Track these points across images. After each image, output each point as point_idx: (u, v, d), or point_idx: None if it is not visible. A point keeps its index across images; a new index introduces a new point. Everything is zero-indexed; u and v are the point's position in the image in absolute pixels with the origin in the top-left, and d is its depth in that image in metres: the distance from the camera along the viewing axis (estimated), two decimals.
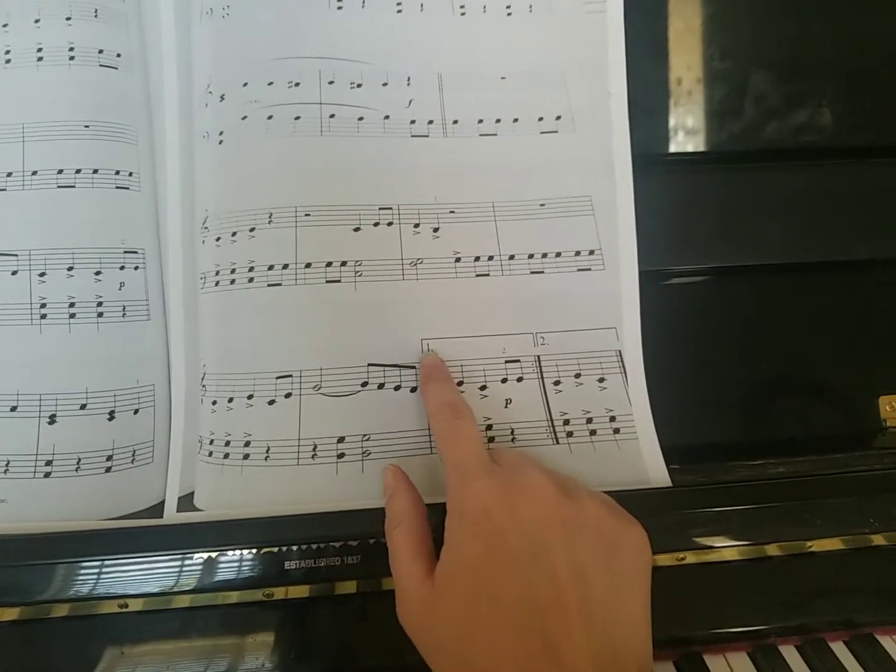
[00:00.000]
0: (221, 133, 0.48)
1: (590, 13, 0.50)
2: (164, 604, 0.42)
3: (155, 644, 0.42)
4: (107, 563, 0.42)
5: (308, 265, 0.46)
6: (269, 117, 0.48)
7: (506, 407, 0.46)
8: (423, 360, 0.44)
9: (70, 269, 0.46)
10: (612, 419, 0.45)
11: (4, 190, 0.47)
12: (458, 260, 0.47)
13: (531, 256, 0.47)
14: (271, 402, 0.45)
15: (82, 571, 0.42)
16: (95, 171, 0.47)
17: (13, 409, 0.44)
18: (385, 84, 0.49)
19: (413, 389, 0.45)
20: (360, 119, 0.49)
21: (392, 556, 0.37)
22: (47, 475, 0.44)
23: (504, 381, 0.46)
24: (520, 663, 0.31)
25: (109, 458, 0.45)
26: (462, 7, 0.50)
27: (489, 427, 0.45)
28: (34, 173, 0.47)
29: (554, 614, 0.31)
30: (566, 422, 0.46)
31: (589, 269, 0.47)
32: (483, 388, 0.46)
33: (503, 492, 0.34)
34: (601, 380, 0.46)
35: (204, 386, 0.46)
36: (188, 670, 0.42)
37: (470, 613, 0.32)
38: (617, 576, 0.33)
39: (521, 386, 0.46)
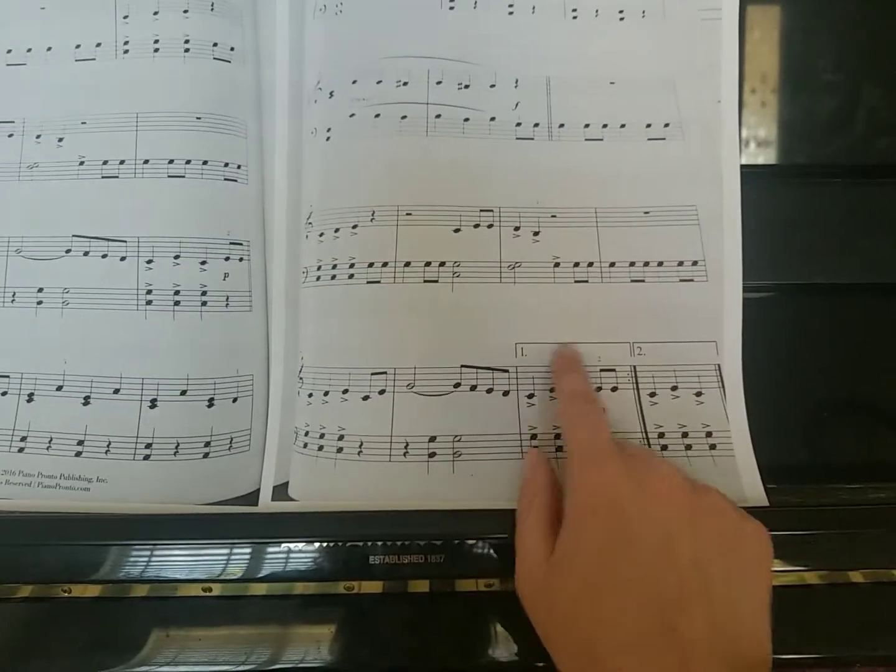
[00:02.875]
0: (329, 130, 0.51)
1: (705, 20, 0.51)
2: (242, 590, 0.45)
3: (233, 629, 0.44)
4: (199, 547, 0.45)
5: (407, 264, 0.49)
6: (377, 115, 0.51)
7: None
8: (559, 351, 0.46)
9: (176, 257, 0.49)
10: (709, 434, 0.46)
11: (117, 177, 0.51)
12: (557, 265, 0.49)
13: (632, 264, 0.49)
14: (365, 398, 0.47)
15: (173, 554, 0.45)
16: (205, 163, 0.50)
17: (116, 391, 0.48)
18: (493, 86, 0.51)
19: (505, 393, 0.48)
20: (466, 120, 0.51)
21: (521, 531, 0.39)
22: (146, 458, 0.47)
23: (598, 389, 0.47)
24: (639, 648, 0.32)
25: (207, 444, 0.48)
26: (574, 10, 0.51)
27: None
28: (146, 162, 0.51)
29: (675, 601, 0.33)
30: (661, 434, 0.47)
31: (691, 280, 0.48)
32: None
33: (632, 479, 0.36)
34: (698, 394, 0.47)
35: (301, 378, 0.49)
36: (261, 657, 0.43)
37: (592, 595, 0.34)
38: (737, 571, 0.35)
39: (616, 396, 0.47)
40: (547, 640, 0.36)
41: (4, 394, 0.48)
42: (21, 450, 0.48)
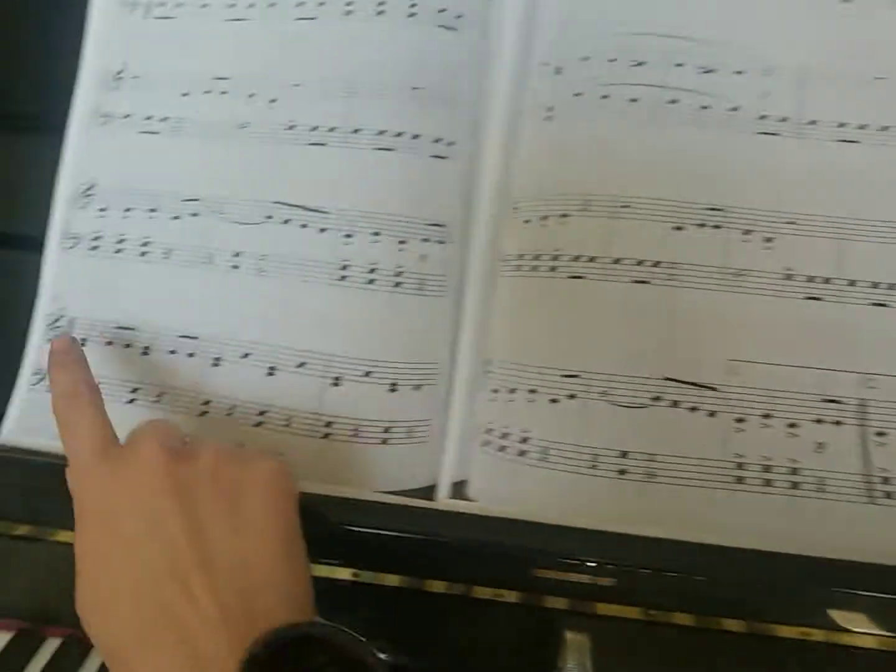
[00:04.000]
0: (551, 109, 0.61)
1: None
2: (405, 583, 0.57)
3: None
4: (378, 535, 0.56)
5: (617, 261, 0.58)
6: (604, 97, 0.60)
7: (816, 451, 0.54)
8: (52, 345, 0.53)
9: (376, 234, 0.61)
10: None
11: (325, 145, 0.63)
12: (788, 277, 0.56)
13: (875, 286, 0.55)
14: (554, 401, 0.57)
15: (350, 538, 0.57)
16: (416, 137, 0.62)
17: (301, 365, 0.60)
18: (739, 73, 0.60)
19: (711, 414, 0.55)
20: (704, 108, 0.59)
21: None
22: (326, 436, 0.59)
23: (818, 421, 0.54)
24: (142, 636, 0.39)
25: (387, 430, 0.59)
26: None
27: (794, 471, 0.54)
28: (356, 131, 0.63)
29: (172, 584, 0.40)
30: (886, 480, 0.52)
31: None
32: (792, 425, 0.54)
33: (114, 470, 0.44)
34: None
35: (488, 372, 0.59)
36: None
37: (99, 600, 0.42)
38: (243, 521, 0.42)
39: (838, 430, 0.54)
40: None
41: (191, 355, 0.62)
42: (203, 413, 0.60)
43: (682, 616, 0.55)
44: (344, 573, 0.56)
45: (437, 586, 0.56)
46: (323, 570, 0.55)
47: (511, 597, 0.56)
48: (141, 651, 0.39)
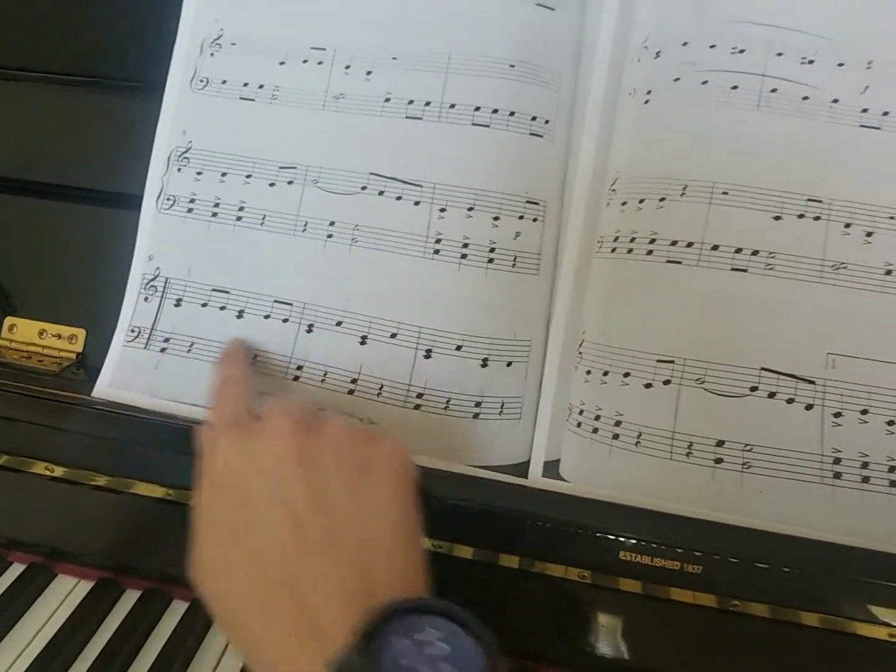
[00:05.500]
0: (649, 92, 0.50)
1: None
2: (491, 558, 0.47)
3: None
4: (468, 509, 0.46)
5: (715, 247, 0.47)
6: (704, 82, 0.49)
7: None
8: (230, 342, 0.50)
9: (470, 209, 0.50)
10: None
11: (420, 119, 0.52)
12: (888, 273, 0.46)
13: None
14: (648, 386, 0.47)
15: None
16: (512, 114, 0.51)
17: (393, 335, 0.50)
18: (841, 64, 0.48)
19: (808, 407, 0.45)
20: (805, 98, 0.48)
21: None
22: (417, 407, 0.49)
23: None
24: (264, 602, 0.33)
25: (478, 404, 0.49)
26: None
27: (893, 469, 0.44)
28: (452, 106, 0.52)
29: (294, 552, 0.34)
30: None
31: None
32: (891, 423, 0.45)
33: (243, 439, 0.38)
34: None
35: (580, 353, 0.49)
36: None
37: (220, 562, 0.36)
38: (367, 499, 0.36)
39: None
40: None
41: (285, 321, 0.51)
42: (296, 378, 0.51)
43: (759, 607, 0.45)
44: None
45: (510, 561, 0.47)
46: None
47: (587, 577, 0.46)
48: (260, 617, 0.33)
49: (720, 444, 0.45)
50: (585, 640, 0.46)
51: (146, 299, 0.53)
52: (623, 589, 0.45)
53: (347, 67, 0.54)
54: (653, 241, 0.48)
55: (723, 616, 0.45)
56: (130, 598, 0.50)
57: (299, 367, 0.50)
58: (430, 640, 0.31)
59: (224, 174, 0.54)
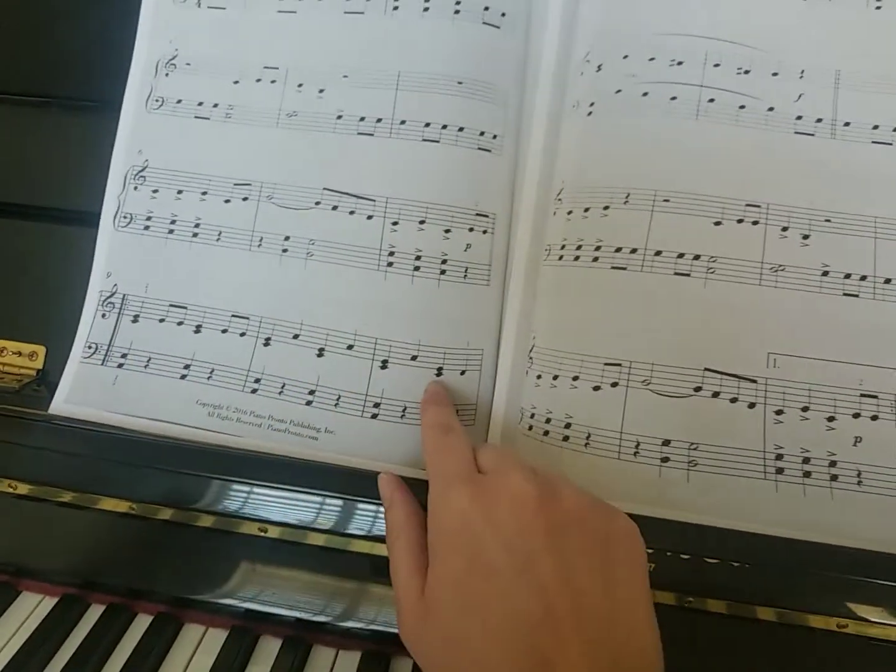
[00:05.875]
0: (592, 104, 0.51)
1: None
2: None
3: None
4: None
5: (658, 253, 0.48)
6: (644, 94, 0.50)
7: (854, 445, 0.45)
8: (428, 386, 0.47)
9: (422, 222, 0.51)
10: None
11: (372, 135, 0.53)
12: (825, 273, 0.47)
13: None
14: (596, 388, 0.47)
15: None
16: (461, 129, 0.52)
17: (350, 347, 0.50)
18: (775, 74, 0.50)
19: (751, 406, 0.46)
20: (742, 107, 0.50)
21: (392, 569, 0.39)
22: (374, 416, 0.49)
23: (856, 416, 0.45)
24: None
25: None
26: (878, 0, 0.49)
27: (833, 464, 0.45)
28: (402, 123, 0.53)
29: (545, 629, 0.32)
30: None
31: None
32: (831, 419, 0.46)
33: (482, 502, 0.35)
34: None
35: (531, 359, 0.50)
36: None
37: (457, 630, 0.33)
38: (611, 575, 0.34)
39: (876, 426, 0.45)
40: None
41: (242, 335, 0.52)
42: (254, 391, 0.51)
43: (716, 603, 0.46)
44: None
45: None
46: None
47: None
48: None
49: (666, 443, 0.46)
50: None
51: (104, 316, 0.54)
52: None
53: (300, 86, 0.55)
54: (598, 248, 0.49)
55: (679, 613, 0.46)
56: (95, 612, 0.50)
57: (257, 381, 0.51)
58: None
59: (180, 191, 0.54)
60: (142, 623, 0.50)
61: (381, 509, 0.45)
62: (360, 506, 0.48)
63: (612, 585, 0.33)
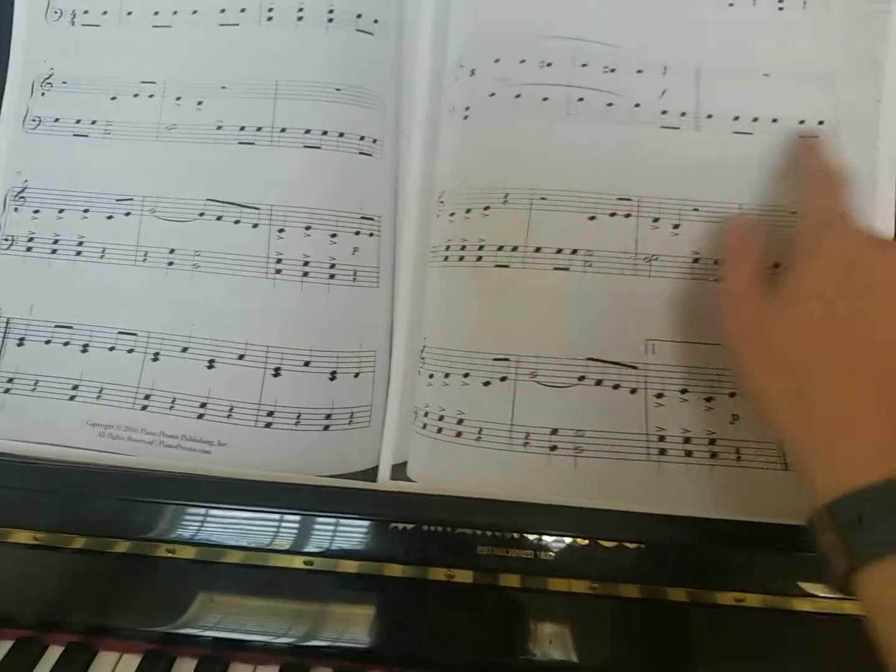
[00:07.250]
0: (468, 108, 0.51)
1: (871, 13, 0.50)
2: (335, 566, 0.47)
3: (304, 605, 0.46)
4: (317, 518, 0.46)
5: (538, 250, 0.49)
6: (517, 96, 0.51)
7: (731, 423, 0.47)
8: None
9: (308, 228, 0.51)
10: None
11: (253, 144, 0.52)
12: (696, 261, 0.48)
13: (776, 266, 0.47)
14: (486, 384, 0.48)
15: (291, 523, 0.47)
16: (341, 135, 0.52)
17: (241, 357, 0.50)
18: (640, 71, 0.51)
19: (632, 391, 0.47)
20: (609, 105, 0.51)
21: (730, 274, 0.44)
22: (268, 425, 0.49)
23: (732, 395, 0.47)
24: (856, 422, 0.34)
25: (328, 416, 0.49)
26: None
27: (712, 441, 0.46)
28: (283, 130, 0.52)
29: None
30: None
31: None
32: (709, 399, 0.47)
33: (868, 249, 0.37)
34: None
35: (423, 358, 0.50)
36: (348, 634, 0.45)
37: (813, 335, 0.37)
38: None
39: (738, 400, 0.47)
40: (752, 379, 0.40)
41: (130, 351, 0.51)
42: (144, 408, 0.50)
43: (627, 588, 0.46)
44: (297, 561, 0.47)
45: (395, 570, 0.46)
46: (280, 560, 0.46)
47: (465, 577, 0.46)
48: (852, 437, 0.34)
49: (554, 432, 0.46)
50: (461, 641, 0.46)
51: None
52: (495, 584, 0.46)
53: (178, 98, 0.54)
54: (481, 247, 0.49)
55: (587, 600, 0.46)
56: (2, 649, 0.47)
57: (147, 397, 0.50)
58: None
59: (61, 210, 0.53)
60: (53, 654, 0.47)
61: (293, 522, 0.45)
62: (268, 517, 0.47)
63: None
